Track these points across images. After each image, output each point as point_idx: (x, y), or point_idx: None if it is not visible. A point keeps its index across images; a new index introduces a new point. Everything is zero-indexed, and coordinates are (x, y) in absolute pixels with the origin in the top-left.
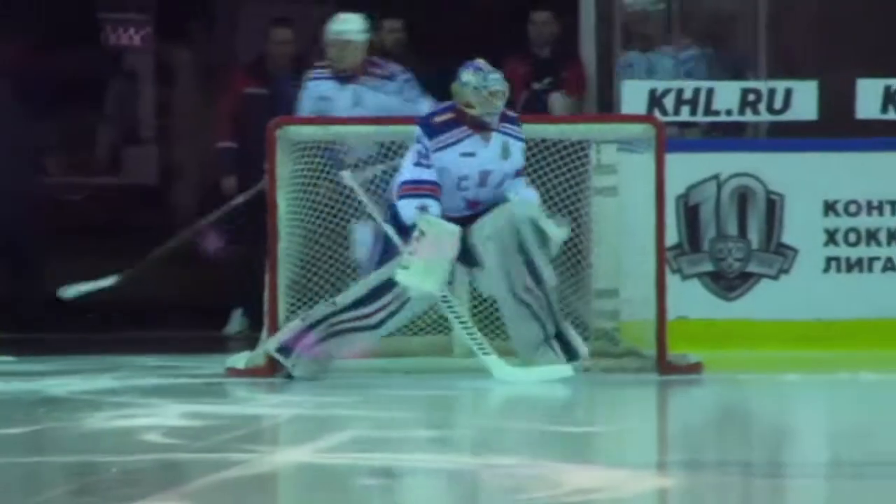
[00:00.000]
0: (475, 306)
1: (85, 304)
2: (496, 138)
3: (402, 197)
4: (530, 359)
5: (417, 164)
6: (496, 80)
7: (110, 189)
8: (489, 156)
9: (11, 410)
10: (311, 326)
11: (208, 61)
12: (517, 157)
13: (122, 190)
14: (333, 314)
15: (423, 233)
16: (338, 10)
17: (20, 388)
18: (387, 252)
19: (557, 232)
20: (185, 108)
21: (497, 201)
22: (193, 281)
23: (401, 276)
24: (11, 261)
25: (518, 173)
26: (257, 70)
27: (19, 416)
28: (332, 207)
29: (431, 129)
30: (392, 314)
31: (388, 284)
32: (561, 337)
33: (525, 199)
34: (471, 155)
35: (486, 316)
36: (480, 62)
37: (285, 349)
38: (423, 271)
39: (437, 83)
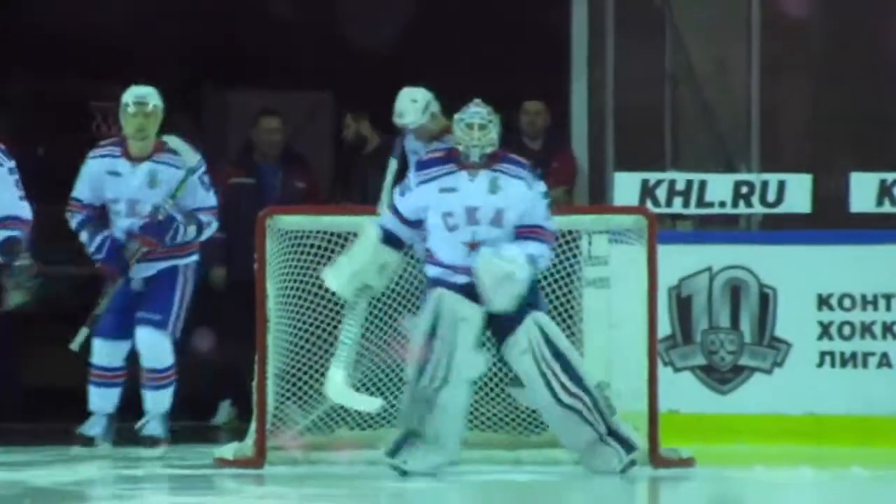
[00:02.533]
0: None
1: (68, 394)
2: (483, 174)
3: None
4: (592, 463)
5: (401, 193)
6: (475, 114)
7: (95, 278)
8: (474, 191)
9: None
10: (409, 418)
11: (197, 149)
12: (513, 193)
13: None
14: (413, 392)
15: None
16: (334, 100)
17: (3, 479)
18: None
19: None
20: None
21: (508, 239)
22: (181, 371)
23: (323, 272)
24: None
25: (531, 228)
26: (244, 160)
27: None
28: (322, 297)
29: (420, 162)
30: (448, 363)
31: (428, 342)
32: (614, 433)
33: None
34: (451, 190)
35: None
36: (473, 101)
37: (393, 451)
38: (339, 269)
39: None
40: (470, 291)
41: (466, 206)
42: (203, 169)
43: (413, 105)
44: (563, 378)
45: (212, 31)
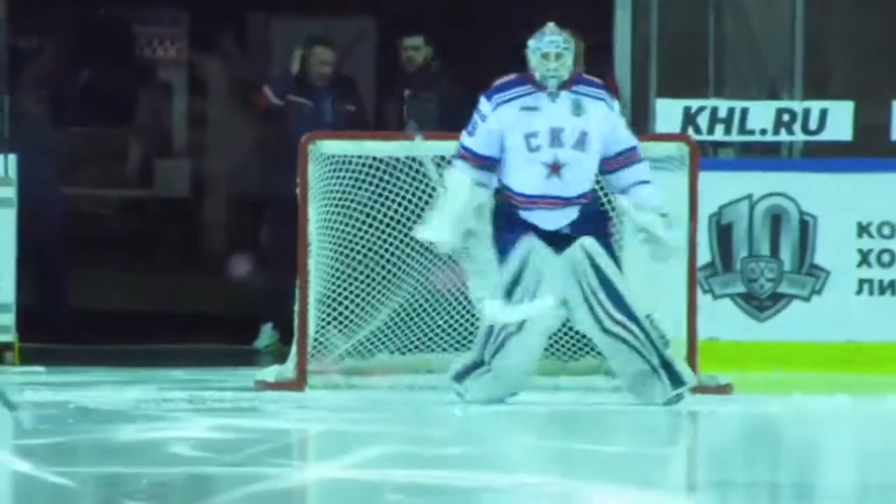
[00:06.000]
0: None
1: (112, 316)
2: (564, 96)
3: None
4: (639, 391)
5: (467, 130)
6: (551, 43)
7: (142, 201)
8: (557, 112)
9: (40, 421)
10: (482, 349)
11: (241, 75)
12: (596, 116)
13: (154, 202)
14: (488, 329)
15: (444, 188)
16: (375, 28)
17: (49, 399)
18: (502, 252)
19: (672, 238)
20: (217, 121)
21: (589, 164)
22: (223, 294)
23: (419, 232)
24: (39, 271)
25: (627, 154)
26: (298, 82)
27: (48, 427)
28: (364, 222)
29: (490, 91)
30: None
31: (511, 286)
32: (667, 366)
33: (641, 205)
34: (533, 109)
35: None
36: (548, 25)
37: (459, 375)
38: (438, 223)
39: (469, 104)
40: (544, 231)
41: (551, 126)
42: None
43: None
44: (609, 305)
45: None
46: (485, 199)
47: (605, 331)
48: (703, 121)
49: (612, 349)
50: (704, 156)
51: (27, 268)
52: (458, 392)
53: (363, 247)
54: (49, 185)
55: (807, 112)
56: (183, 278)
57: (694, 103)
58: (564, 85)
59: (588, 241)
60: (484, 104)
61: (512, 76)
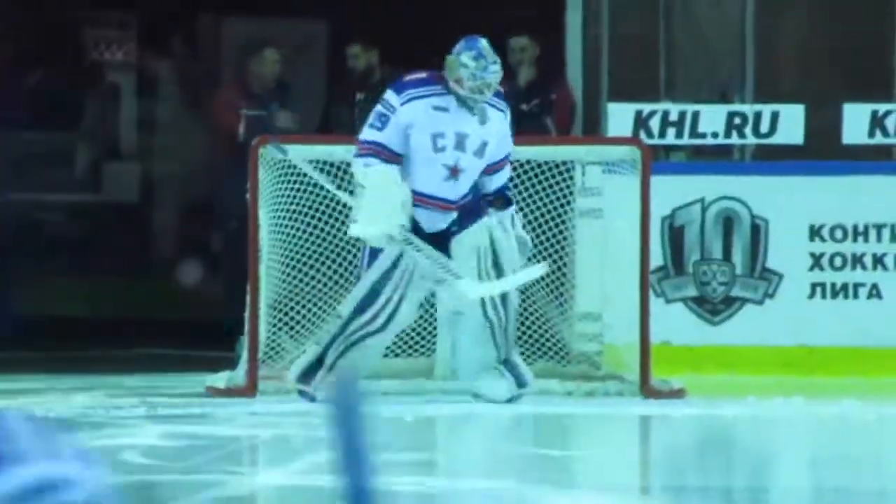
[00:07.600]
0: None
1: (60, 323)
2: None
3: (356, 156)
4: (481, 385)
5: (371, 125)
6: (494, 74)
7: (90, 205)
8: (465, 117)
9: None
10: (327, 347)
11: (191, 77)
12: (496, 126)
13: (102, 206)
14: (343, 327)
15: (362, 186)
16: (330, 31)
17: None
18: (373, 254)
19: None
20: (167, 123)
21: (480, 169)
22: (173, 299)
23: (352, 230)
24: None
25: (501, 162)
26: (245, 91)
27: None
28: (315, 227)
29: (399, 84)
30: (393, 313)
31: (380, 284)
32: (509, 363)
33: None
34: (444, 110)
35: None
36: (484, 46)
37: (305, 376)
38: (370, 217)
39: None
40: (426, 233)
41: (457, 131)
42: None
43: None
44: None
45: None
46: (407, 195)
47: (486, 315)
48: (654, 124)
49: (475, 333)
50: (656, 159)
51: None
52: (306, 394)
53: (314, 251)
54: None
55: (758, 115)
56: (132, 283)
57: (645, 107)
58: None
59: (493, 223)
60: (392, 97)
61: (423, 74)
